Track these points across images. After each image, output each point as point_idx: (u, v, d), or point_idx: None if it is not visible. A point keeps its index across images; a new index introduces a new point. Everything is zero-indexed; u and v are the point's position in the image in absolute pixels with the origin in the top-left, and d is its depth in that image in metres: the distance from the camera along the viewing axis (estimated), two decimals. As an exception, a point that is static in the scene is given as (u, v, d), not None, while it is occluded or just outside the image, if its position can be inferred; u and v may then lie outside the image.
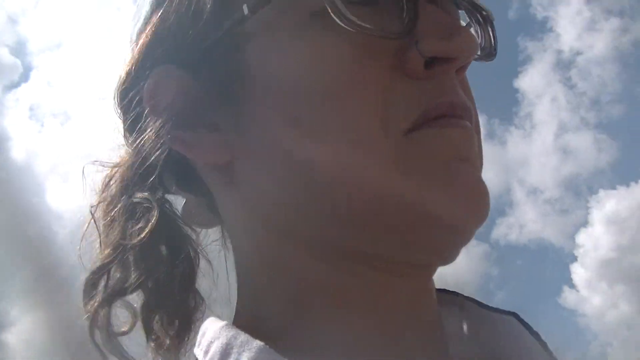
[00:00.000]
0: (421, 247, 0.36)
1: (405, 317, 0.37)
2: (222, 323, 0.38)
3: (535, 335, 0.39)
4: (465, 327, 0.39)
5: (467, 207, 0.34)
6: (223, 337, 0.37)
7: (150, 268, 0.43)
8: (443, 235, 0.35)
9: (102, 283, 0.43)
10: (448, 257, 0.37)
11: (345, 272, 0.37)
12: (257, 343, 0.35)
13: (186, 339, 0.44)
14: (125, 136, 0.45)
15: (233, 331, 0.37)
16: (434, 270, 0.39)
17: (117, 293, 0.43)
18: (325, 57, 0.35)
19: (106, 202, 0.45)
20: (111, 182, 0.45)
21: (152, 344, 0.43)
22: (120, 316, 0.44)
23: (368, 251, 0.36)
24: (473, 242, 0.37)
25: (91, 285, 0.43)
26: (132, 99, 0.42)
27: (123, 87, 0.43)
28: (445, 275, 0.41)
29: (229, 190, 0.40)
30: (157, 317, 0.44)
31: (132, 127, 0.43)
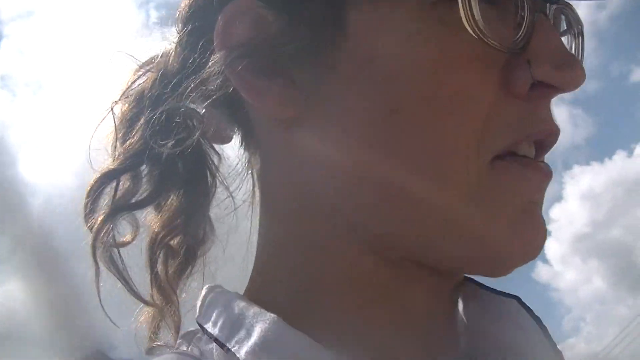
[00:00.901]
0: (472, 269, 0.37)
1: (426, 313, 0.37)
2: (232, 293, 0.38)
3: (537, 319, 0.38)
4: (467, 311, 0.39)
5: (526, 246, 0.35)
6: (234, 308, 0.36)
7: (167, 183, 0.41)
8: (494, 267, 0.36)
9: (109, 191, 0.40)
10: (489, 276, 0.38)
11: (376, 261, 0.36)
12: (270, 315, 0.34)
13: (184, 275, 0.42)
14: (178, 43, 0.40)
15: (244, 302, 0.36)
16: None
17: (127, 206, 0.40)
18: (440, 57, 0.33)
19: (131, 101, 0.41)
20: (139, 81, 0.42)
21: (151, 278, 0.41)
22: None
23: (415, 257, 0.36)
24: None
25: (97, 190, 0.40)
26: (201, 17, 0.39)
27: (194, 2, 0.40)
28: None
29: (283, 145, 0.37)
30: (161, 245, 0.41)
31: (189, 41, 0.39)
